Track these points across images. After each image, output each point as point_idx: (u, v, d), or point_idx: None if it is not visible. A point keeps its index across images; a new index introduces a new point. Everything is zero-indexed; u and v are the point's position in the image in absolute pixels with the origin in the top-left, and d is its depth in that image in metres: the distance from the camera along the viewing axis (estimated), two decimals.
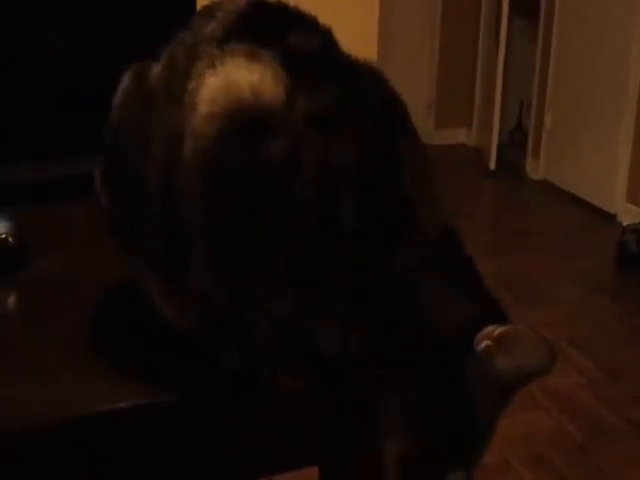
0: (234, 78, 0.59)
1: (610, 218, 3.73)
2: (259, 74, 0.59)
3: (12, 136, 1.12)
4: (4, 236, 0.86)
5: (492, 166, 4.53)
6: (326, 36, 0.64)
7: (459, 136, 5.28)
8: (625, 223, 3.51)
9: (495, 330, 0.58)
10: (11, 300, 0.86)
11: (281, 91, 0.58)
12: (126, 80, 0.70)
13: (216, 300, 0.65)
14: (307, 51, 0.62)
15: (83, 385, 0.68)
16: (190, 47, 0.64)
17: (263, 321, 0.65)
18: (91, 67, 1.12)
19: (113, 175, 0.71)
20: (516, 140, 4.97)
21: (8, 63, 1.10)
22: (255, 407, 0.70)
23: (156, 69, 0.67)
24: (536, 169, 4.46)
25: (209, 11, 0.66)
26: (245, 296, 0.63)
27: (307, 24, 0.65)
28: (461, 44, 5.13)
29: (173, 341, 0.71)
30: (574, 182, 4.07)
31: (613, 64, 3.77)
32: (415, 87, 4.90)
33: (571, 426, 2.14)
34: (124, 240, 0.72)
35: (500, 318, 0.60)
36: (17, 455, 0.64)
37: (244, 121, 0.59)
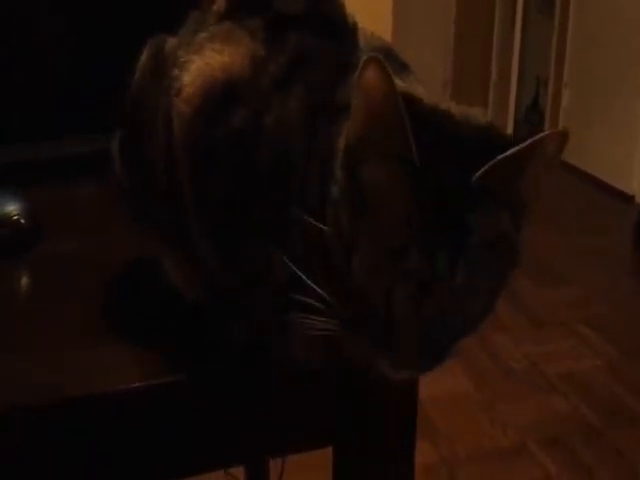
0: (209, 61, 0.66)
1: (628, 199, 3.69)
2: (230, 54, 0.66)
3: (21, 115, 1.11)
4: (16, 217, 0.86)
5: None
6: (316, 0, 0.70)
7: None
8: None
9: None
10: (22, 279, 0.86)
11: (247, 65, 0.65)
12: (144, 54, 0.76)
13: (215, 268, 0.68)
14: (290, 14, 0.68)
15: (89, 364, 0.68)
16: (186, 33, 0.72)
17: (263, 289, 0.67)
18: (104, 43, 1.11)
19: (129, 144, 0.76)
20: (532, 118, 4.91)
21: (20, 39, 1.09)
22: (267, 386, 0.70)
23: (171, 42, 0.73)
24: None
25: None
26: (241, 263, 0.67)
27: None
28: (477, 21, 5.06)
29: (183, 318, 0.71)
30: (591, 162, 4.02)
31: (632, 41, 3.71)
32: (430, 65, 4.84)
33: (587, 409, 2.13)
34: (137, 208, 0.76)
35: None
36: (19, 435, 0.64)
37: (216, 97, 0.65)
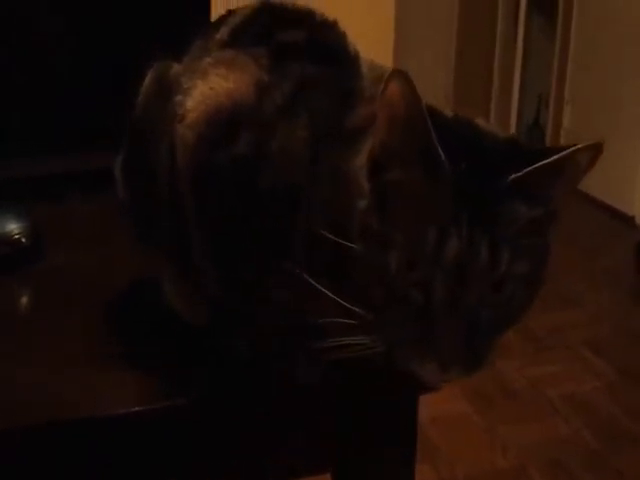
0: (213, 86, 0.67)
1: (628, 220, 3.68)
2: (235, 80, 0.66)
3: (22, 131, 1.11)
4: (17, 236, 0.86)
5: None
6: (317, 30, 0.71)
7: None
8: None
9: None
10: (22, 297, 0.86)
11: (252, 91, 0.65)
12: (148, 77, 0.76)
13: (217, 289, 0.69)
14: (292, 43, 0.69)
15: (88, 386, 0.68)
16: (190, 60, 0.73)
17: (265, 308, 0.67)
18: (108, 62, 1.11)
19: (133, 166, 0.77)
20: (534, 136, 4.92)
21: (24, 53, 1.09)
22: (267, 411, 0.69)
23: (175, 68, 0.74)
24: None
25: (224, 18, 0.75)
26: (243, 285, 0.67)
27: (299, 20, 0.72)
28: (479, 39, 5.09)
29: (183, 338, 0.71)
30: (592, 183, 4.01)
31: (635, 60, 3.72)
32: (432, 80, 4.86)
33: (588, 432, 2.11)
34: (139, 228, 0.77)
35: None
36: (20, 454, 0.64)
37: (220, 123, 0.65)
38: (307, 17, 0.72)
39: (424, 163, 0.56)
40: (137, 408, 0.66)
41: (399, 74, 0.55)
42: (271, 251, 0.65)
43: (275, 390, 0.69)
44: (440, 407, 2.06)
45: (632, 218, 3.69)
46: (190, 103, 0.67)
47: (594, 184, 4.01)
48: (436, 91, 4.94)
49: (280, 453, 0.72)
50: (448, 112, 0.61)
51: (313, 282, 0.60)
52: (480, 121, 0.62)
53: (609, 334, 2.64)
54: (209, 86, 0.67)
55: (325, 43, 0.70)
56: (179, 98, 0.68)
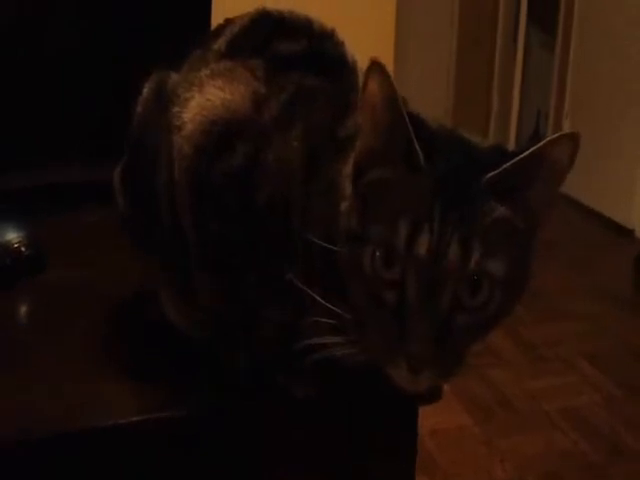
0: (210, 97, 0.67)
1: (628, 233, 3.68)
2: (232, 92, 0.67)
3: (25, 141, 1.11)
4: (17, 246, 0.86)
5: None
6: (315, 40, 0.71)
7: None
8: None
9: None
10: (22, 308, 0.85)
11: (248, 102, 0.66)
12: (146, 88, 0.76)
13: (214, 301, 0.69)
14: (290, 54, 0.70)
15: (88, 397, 0.68)
16: (188, 71, 0.72)
17: (263, 324, 0.67)
18: (107, 76, 1.11)
19: (131, 177, 0.77)
20: None
21: (27, 64, 1.09)
22: (266, 424, 0.69)
23: (174, 78, 0.74)
24: None
25: (221, 29, 0.74)
26: (242, 296, 0.67)
27: (297, 30, 0.72)
28: (478, 52, 5.10)
29: (183, 350, 0.71)
30: (591, 195, 4.03)
31: (634, 74, 3.73)
32: (432, 93, 4.87)
33: (587, 445, 2.11)
34: (137, 239, 0.77)
35: None
36: (20, 465, 0.64)
37: (217, 134, 0.66)
38: (305, 27, 0.72)
39: (403, 160, 0.56)
40: (136, 418, 0.66)
41: (377, 68, 0.56)
42: (267, 261, 0.65)
43: (274, 404, 0.69)
44: (439, 419, 2.06)
45: (632, 231, 3.69)
46: (187, 115, 0.68)
47: (593, 197, 4.02)
48: (436, 105, 4.95)
49: (279, 467, 0.72)
50: (433, 122, 0.61)
51: (307, 289, 0.60)
52: (464, 131, 0.62)
53: (607, 347, 2.63)
54: (206, 97, 0.67)
55: (323, 53, 0.71)
56: (177, 110, 0.69)
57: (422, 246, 0.54)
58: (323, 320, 0.60)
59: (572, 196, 4.18)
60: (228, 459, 0.70)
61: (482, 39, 5.05)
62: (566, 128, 4.34)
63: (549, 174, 0.57)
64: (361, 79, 0.69)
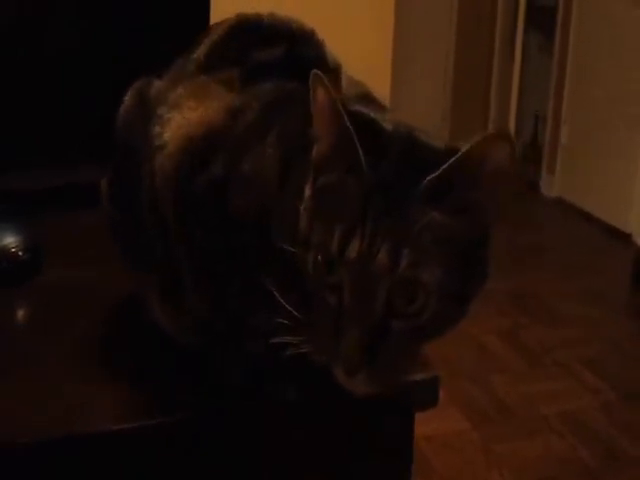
0: (187, 116, 0.69)
1: (625, 237, 3.69)
2: (206, 109, 0.68)
3: (23, 144, 1.11)
4: (14, 249, 0.86)
5: None
6: (294, 43, 0.72)
7: None
8: None
9: None
10: (20, 311, 0.85)
11: (223, 116, 0.67)
12: (128, 96, 0.77)
13: (203, 315, 0.70)
14: (269, 61, 0.70)
15: (78, 403, 0.68)
16: (168, 81, 0.74)
17: (251, 334, 0.68)
18: (106, 77, 1.11)
19: (116, 183, 0.78)
20: (531, 155, 4.93)
21: (23, 67, 1.09)
22: (262, 427, 0.69)
23: (156, 86, 0.75)
24: (551, 186, 4.43)
25: (202, 36, 0.75)
26: (227, 309, 0.68)
27: (275, 34, 0.72)
28: (476, 57, 5.11)
29: (181, 351, 0.71)
30: (589, 200, 4.03)
31: (632, 78, 3.74)
32: (429, 99, 4.88)
33: (584, 450, 2.11)
34: (124, 244, 0.78)
35: None
36: (14, 469, 0.63)
37: (195, 151, 0.67)
38: (284, 30, 0.73)
39: (347, 165, 0.57)
40: (131, 424, 0.66)
41: (318, 79, 0.57)
42: (250, 269, 0.66)
43: (274, 404, 0.69)
44: (436, 425, 2.06)
45: (629, 235, 3.70)
46: (167, 134, 0.69)
47: (590, 201, 4.02)
48: (433, 111, 4.95)
49: (279, 468, 0.72)
50: (389, 124, 0.61)
51: (274, 290, 0.61)
52: (423, 132, 0.61)
53: (605, 352, 2.64)
54: (183, 116, 0.69)
55: (301, 56, 0.71)
56: (158, 130, 0.70)
57: (353, 251, 0.55)
58: (284, 321, 0.61)
59: (570, 201, 4.19)
60: (228, 459, 0.70)
61: (480, 42, 5.06)
62: (564, 133, 4.35)
63: (489, 176, 0.56)
64: (345, 78, 0.70)
